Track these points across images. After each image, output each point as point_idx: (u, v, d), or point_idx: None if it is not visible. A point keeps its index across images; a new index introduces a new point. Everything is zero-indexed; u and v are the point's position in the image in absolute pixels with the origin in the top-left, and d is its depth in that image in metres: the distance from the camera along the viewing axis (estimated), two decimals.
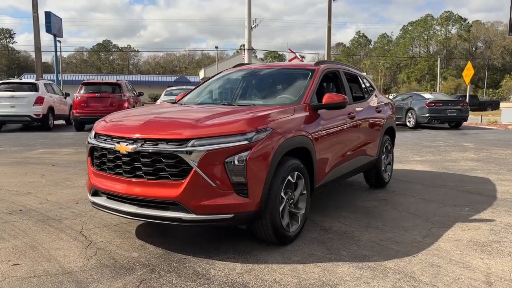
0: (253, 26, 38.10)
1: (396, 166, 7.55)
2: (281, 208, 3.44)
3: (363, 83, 5.75)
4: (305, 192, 3.78)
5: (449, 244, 3.67)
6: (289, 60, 44.60)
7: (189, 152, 3.07)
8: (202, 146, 3.08)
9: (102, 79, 41.69)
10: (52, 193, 5.44)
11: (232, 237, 3.79)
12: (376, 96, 5.86)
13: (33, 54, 32.06)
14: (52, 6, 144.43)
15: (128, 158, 3.26)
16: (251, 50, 35.44)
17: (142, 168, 3.22)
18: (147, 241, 3.67)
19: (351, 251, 3.47)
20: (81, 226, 4.09)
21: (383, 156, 5.76)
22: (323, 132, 4.11)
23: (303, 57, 57.50)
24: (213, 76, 5.32)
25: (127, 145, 3.24)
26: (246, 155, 3.12)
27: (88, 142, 3.69)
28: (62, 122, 18.19)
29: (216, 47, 49.88)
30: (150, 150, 3.16)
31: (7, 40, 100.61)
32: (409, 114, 17.24)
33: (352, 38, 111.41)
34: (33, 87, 14.40)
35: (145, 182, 3.22)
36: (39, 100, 14.18)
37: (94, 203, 3.61)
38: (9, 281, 2.87)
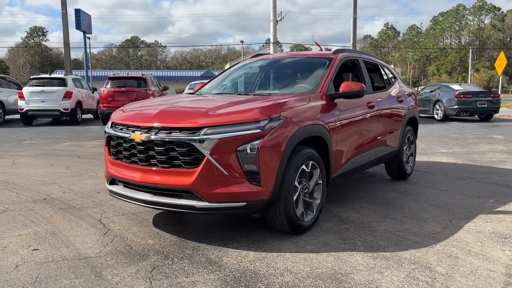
0: (278, 20, 37.99)
1: (420, 158, 7.39)
2: (295, 197, 3.41)
3: (384, 72, 5.63)
4: (320, 182, 3.74)
5: (469, 236, 3.57)
6: None
7: (202, 141, 3.08)
8: (215, 134, 3.09)
9: (127, 74, 42.30)
10: (75, 183, 5.57)
11: (247, 226, 3.79)
12: (398, 86, 5.74)
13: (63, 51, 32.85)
14: (83, 3, 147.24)
15: (142, 147, 3.30)
16: (276, 44, 35.39)
17: (156, 156, 3.25)
18: (163, 229, 3.72)
19: (367, 241, 3.42)
20: (100, 214, 4.17)
21: (405, 147, 5.64)
22: (340, 121, 4.05)
23: (329, 50, 56.92)
24: (231, 67, 5.32)
25: (141, 133, 3.28)
26: (259, 144, 3.10)
27: (105, 132, 3.75)
28: (90, 116, 18.61)
29: (242, 41, 50.00)
30: (164, 139, 3.19)
31: (40, 38, 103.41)
32: (437, 106, 16.77)
33: (380, 30, 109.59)
34: (62, 82, 14.77)
35: (159, 171, 3.25)
36: (68, 95, 14.54)
37: (111, 191, 3.67)
38: (28, 265, 2.95)
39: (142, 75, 15.62)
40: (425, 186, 5.40)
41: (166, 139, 3.18)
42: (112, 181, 3.69)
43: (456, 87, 17.38)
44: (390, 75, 5.76)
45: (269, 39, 34.43)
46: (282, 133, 3.25)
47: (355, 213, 4.21)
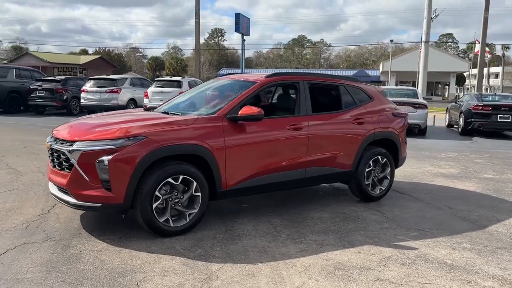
0: (432, 17, 35.63)
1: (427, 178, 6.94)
2: (155, 205, 4.06)
3: (349, 93, 5.61)
4: (198, 194, 4.27)
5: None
6: (475, 53, 39.99)
7: (72, 152, 3.99)
8: (81, 147, 3.97)
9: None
10: None
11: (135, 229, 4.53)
12: (366, 107, 5.65)
13: (239, 51, 36.34)
14: (263, 4, 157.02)
15: (50, 153, 4.35)
16: (428, 42, 33.32)
17: (55, 161, 4.27)
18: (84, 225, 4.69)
19: (224, 251, 3.90)
20: None
21: (368, 169, 5.56)
22: (237, 141, 4.48)
23: (493, 49, 50.45)
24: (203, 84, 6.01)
25: (49, 142, 4.33)
26: (111, 157, 3.86)
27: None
28: None
29: (391, 40, 47.98)
30: (56, 148, 4.18)
31: (219, 38, 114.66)
32: (461, 118, 14.78)
33: None
34: (178, 84, 16.99)
35: (57, 172, 4.28)
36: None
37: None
38: None
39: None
40: (375, 211, 5.30)
41: (57, 148, 4.18)
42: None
43: (487, 96, 15.49)
44: (359, 96, 5.70)
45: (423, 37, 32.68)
46: (137, 149, 3.94)
47: (250, 227, 4.59)
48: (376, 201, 5.72)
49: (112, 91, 17.26)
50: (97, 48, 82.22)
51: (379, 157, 5.70)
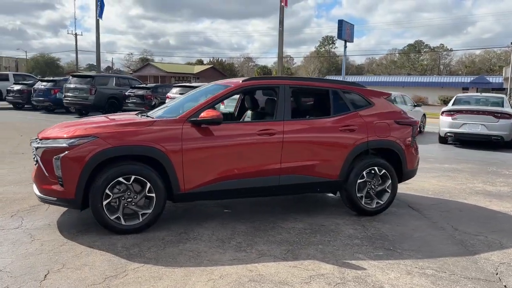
0: None
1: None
2: (105, 202, 4.25)
3: (341, 98, 5.23)
4: (152, 195, 4.37)
5: None
6: None
7: (37, 148, 4.37)
8: (44, 145, 4.32)
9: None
10: None
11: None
12: (364, 113, 5.22)
13: (351, 57, 36.00)
14: (381, 10, 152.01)
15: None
16: None
17: (34, 158, 4.69)
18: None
19: (157, 253, 3.96)
20: None
21: (359, 180, 5.13)
22: (198, 145, 4.50)
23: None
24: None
25: (31, 140, 4.77)
26: (63, 155, 4.15)
27: None
28: None
29: None
30: (35, 145, 4.58)
31: (329, 46, 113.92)
32: None
33: None
34: None
35: (34, 168, 4.68)
36: None
37: None
38: None
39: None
40: (360, 226, 4.87)
41: (34, 146, 4.57)
42: None
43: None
44: (355, 101, 5.28)
45: None
46: (87, 149, 4.17)
47: (209, 231, 4.55)
48: (372, 216, 5.25)
49: None
50: (211, 59, 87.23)
51: (376, 168, 5.22)
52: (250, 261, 3.83)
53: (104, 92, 19.40)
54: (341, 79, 46.76)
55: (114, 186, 4.28)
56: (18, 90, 21.69)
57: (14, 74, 25.99)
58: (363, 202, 5.21)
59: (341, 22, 37.41)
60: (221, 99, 4.82)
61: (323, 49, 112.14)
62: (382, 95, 5.58)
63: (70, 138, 4.26)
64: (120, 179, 4.28)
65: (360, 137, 5.14)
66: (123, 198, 4.33)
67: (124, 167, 4.30)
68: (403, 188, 6.65)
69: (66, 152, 4.19)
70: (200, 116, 4.50)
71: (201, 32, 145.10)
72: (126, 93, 19.34)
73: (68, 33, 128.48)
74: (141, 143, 4.36)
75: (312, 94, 5.44)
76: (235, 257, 3.91)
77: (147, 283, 3.35)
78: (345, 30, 38.42)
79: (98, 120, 4.84)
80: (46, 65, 74.86)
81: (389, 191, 5.32)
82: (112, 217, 4.30)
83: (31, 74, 31.62)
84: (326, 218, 5.15)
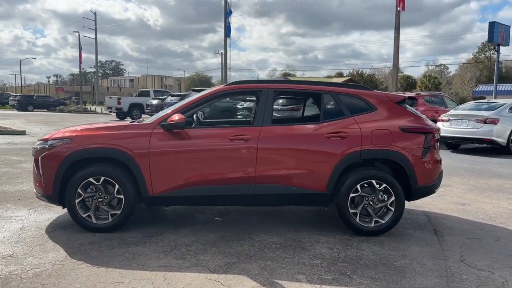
0: None
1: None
2: (77, 201, 4.52)
3: (336, 103, 4.66)
4: (121, 196, 4.52)
5: None
6: None
7: (33, 149, 4.87)
8: (36, 146, 4.80)
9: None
10: None
11: None
12: (362, 118, 4.59)
13: None
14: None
15: None
16: None
17: None
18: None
19: (103, 252, 4.11)
20: None
21: (352, 194, 4.50)
22: (166, 149, 4.52)
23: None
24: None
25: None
26: (43, 155, 4.57)
27: None
28: None
29: None
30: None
31: (491, 52, 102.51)
32: None
33: None
34: None
35: None
36: None
37: None
38: None
39: (416, 94, 15.40)
40: (341, 245, 4.27)
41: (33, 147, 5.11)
42: None
43: None
44: (354, 106, 4.65)
45: None
46: (61, 150, 4.52)
47: (173, 236, 4.49)
48: (373, 236, 4.57)
49: None
50: (351, 70, 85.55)
51: (373, 181, 4.54)
52: (176, 269, 3.67)
53: (218, 105, 20.59)
54: (492, 87, 42.00)
55: (87, 186, 4.53)
56: (155, 104, 24.35)
57: (154, 90, 29.22)
58: (357, 220, 4.57)
59: (492, 24, 35.10)
60: (198, 103, 4.77)
61: (483, 55, 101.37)
62: (391, 98, 4.83)
63: (52, 139, 4.67)
64: (91, 179, 4.51)
65: (351, 145, 4.53)
66: (94, 198, 4.56)
67: (94, 168, 4.53)
68: (453, 209, 5.71)
69: (46, 152, 4.59)
70: (168, 121, 4.51)
71: (349, 45, 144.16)
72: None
73: (215, 53, 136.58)
74: (107, 145, 4.54)
75: (302, 98, 5.00)
76: (167, 264, 3.79)
77: (60, 278, 3.45)
78: (497, 33, 35.91)
79: (94, 126, 5.19)
80: (200, 83, 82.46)
81: (392, 209, 4.57)
82: (84, 215, 4.55)
83: (168, 90, 35.12)
84: (312, 233, 4.65)
